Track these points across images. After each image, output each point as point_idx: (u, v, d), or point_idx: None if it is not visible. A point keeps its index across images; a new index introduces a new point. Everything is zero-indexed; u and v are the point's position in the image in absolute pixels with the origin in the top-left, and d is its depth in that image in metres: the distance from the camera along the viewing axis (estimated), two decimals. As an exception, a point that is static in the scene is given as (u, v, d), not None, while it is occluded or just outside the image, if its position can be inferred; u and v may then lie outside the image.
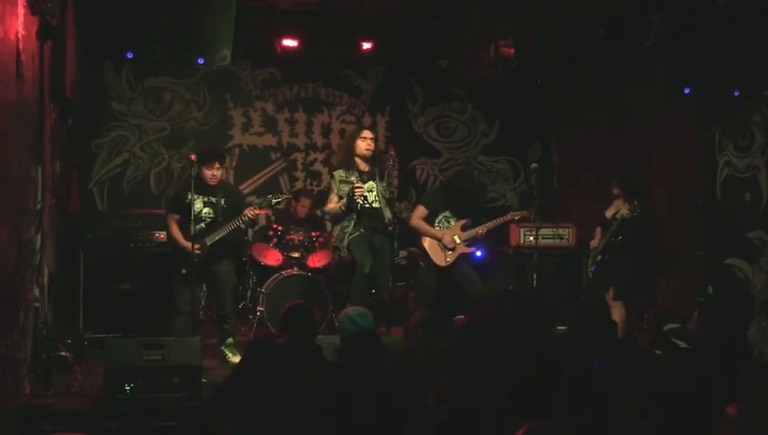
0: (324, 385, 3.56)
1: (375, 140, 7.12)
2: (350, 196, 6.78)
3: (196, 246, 6.28)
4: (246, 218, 6.51)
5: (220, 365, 6.37)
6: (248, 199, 8.30)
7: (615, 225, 6.81)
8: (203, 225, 6.52)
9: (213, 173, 6.55)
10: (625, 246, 6.83)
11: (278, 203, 6.98)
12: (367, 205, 6.89)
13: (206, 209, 6.57)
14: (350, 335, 4.53)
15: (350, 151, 7.01)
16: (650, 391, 2.63)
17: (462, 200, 7.26)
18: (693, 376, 3.46)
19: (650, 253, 7.28)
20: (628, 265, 6.89)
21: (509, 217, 7.33)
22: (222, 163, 6.70)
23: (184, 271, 6.35)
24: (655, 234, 7.33)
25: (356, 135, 7.08)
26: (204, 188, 6.53)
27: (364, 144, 6.96)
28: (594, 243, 7.12)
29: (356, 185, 6.81)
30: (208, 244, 6.47)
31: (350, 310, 4.65)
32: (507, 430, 2.47)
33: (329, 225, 9.12)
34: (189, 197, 6.37)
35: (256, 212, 6.62)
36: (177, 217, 6.60)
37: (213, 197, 6.60)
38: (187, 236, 6.40)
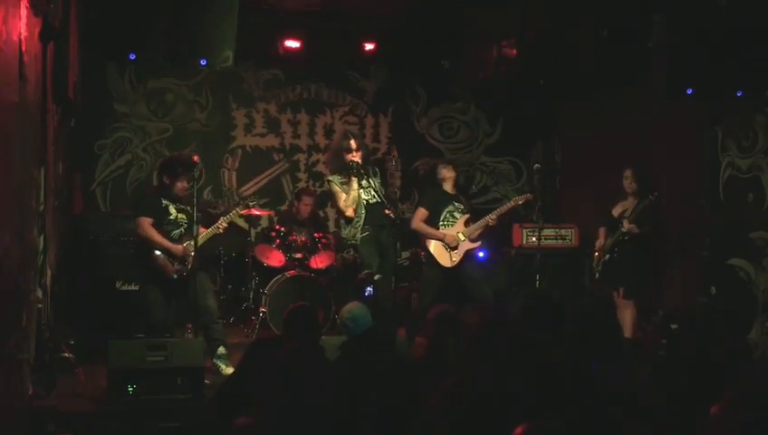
0: (328, 385, 3.57)
1: (362, 142, 7.07)
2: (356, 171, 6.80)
3: (189, 247, 6.15)
4: (221, 229, 6.44)
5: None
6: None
7: (621, 226, 6.82)
8: (182, 230, 6.31)
9: (184, 186, 6.35)
10: (632, 246, 6.82)
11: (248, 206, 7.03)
12: (370, 202, 6.89)
13: (180, 215, 6.36)
14: (352, 333, 4.61)
15: (340, 159, 6.92)
16: (649, 391, 2.63)
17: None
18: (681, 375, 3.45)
19: (657, 252, 7.27)
20: (637, 264, 6.87)
21: (512, 203, 7.23)
22: (190, 181, 6.40)
23: (176, 276, 6.21)
24: (661, 233, 7.33)
25: (345, 149, 6.90)
26: (173, 197, 6.36)
27: (355, 157, 6.83)
28: (599, 243, 7.10)
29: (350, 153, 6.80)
30: (196, 246, 6.21)
31: (349, 308, 4.73)
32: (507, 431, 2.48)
33: (331, 225, 9.17)
34: (164, 202, 6.29)
35: (226, 225, 6.48)
36: (151, 220, 6.29)
37: (183, 205, 6.39)
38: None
